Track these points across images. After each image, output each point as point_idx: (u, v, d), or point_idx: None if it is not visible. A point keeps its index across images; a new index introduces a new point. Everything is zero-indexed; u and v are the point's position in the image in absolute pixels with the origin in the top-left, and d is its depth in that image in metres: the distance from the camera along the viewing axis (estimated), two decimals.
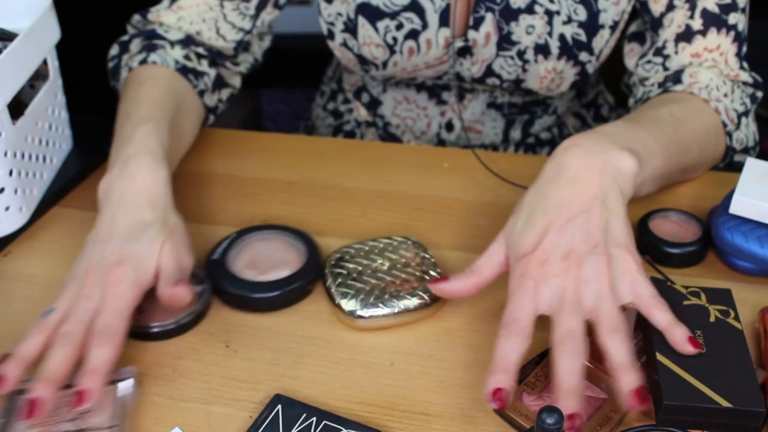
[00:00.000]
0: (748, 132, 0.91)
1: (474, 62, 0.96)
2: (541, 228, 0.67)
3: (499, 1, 0.92)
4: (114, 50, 0.97)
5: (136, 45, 0.94)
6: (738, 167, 0.87)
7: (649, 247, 0.80)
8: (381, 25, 0.95)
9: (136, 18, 0.97)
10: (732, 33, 0.90)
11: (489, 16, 0.93)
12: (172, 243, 0.72)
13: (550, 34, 0.93)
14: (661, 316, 0.65)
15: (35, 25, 0.84)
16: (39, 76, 0.91)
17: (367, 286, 0.75)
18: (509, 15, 0.93)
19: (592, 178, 0.69)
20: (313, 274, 0.78)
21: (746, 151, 0.92)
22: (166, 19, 0.95)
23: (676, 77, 0.90)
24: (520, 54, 0.95)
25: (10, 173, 0.82)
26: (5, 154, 0.81)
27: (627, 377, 0.62)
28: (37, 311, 0.77)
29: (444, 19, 0.94)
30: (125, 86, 0.90)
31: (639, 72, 0.94)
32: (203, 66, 0.95)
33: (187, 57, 0.93)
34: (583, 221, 0.67)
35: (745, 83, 0.92)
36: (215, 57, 0.96)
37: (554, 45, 0.94)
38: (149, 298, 0.72)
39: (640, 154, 0.73)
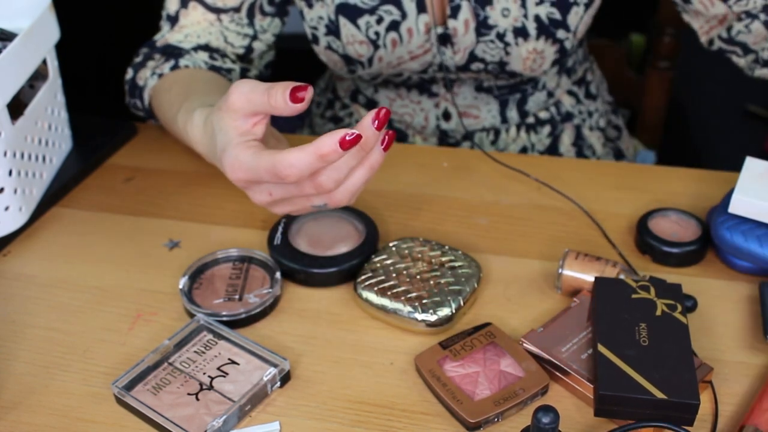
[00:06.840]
0: None
1: (456, 51, 0.99)
2: None
3: None
4: (129, 74, 0.98)
5: (157, 59, 0.96)
6: (738, 167, 0.87)
7: (649, 246, 0.80)
8: (362, 21, 0.98)
9: (144, 48, 0.99)
10: None
11: (465, 4, 0.96)
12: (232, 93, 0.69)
13: (525, 16, 0.96)
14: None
15: (35, 25, 0.85)
16: (39, 76, 0.91)
17: (396, 280, 0.76)
18: (484, 0, 0.95)
19: None
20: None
21: None
22: (173, 39, 0.97)
23: None
24: (500, 37, 0.97)
25: (10, 173, 0.83)
26: (5, 154, 0.81)
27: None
28: (37, 311, 0.77)
29: (421, 6, 0.96)
30: (158, 94, 0.91)
31: (735, 9, 0.92)
32: (228, 63, 0.97)
33: (212, 57, 0.96)
34: None
35: None
36: (234, 59, 0.99)
37: (531, 26, 0.97)
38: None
39: None
